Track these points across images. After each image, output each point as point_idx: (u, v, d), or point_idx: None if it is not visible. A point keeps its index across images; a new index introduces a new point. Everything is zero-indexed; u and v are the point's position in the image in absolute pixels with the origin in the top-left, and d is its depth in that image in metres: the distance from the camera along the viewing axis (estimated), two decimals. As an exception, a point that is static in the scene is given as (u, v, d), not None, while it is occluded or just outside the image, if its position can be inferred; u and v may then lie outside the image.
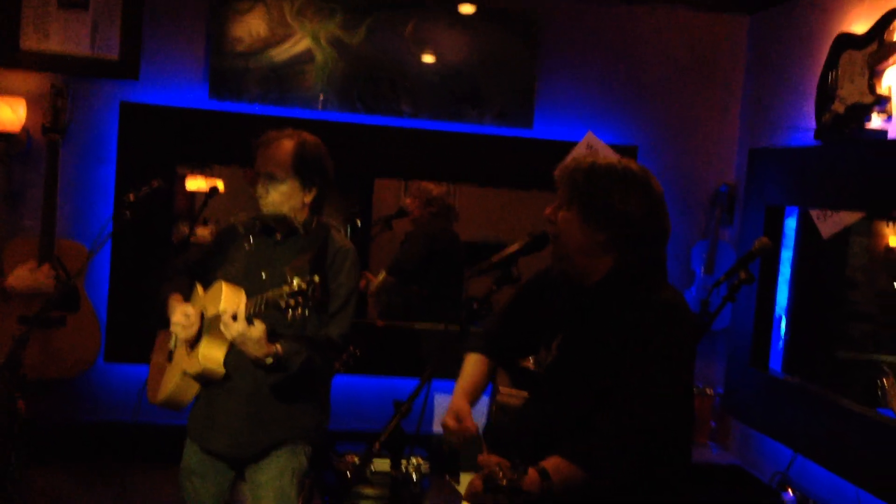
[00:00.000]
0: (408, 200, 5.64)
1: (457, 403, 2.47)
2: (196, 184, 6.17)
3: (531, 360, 2.55)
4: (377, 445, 2.24)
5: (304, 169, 2.96)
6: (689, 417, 2.38)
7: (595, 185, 2.29)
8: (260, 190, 2.97)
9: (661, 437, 2.23)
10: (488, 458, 2.12)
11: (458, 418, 2.43)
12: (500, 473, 2.00)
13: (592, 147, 4.87)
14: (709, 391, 5.23)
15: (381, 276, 5.52)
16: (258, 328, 2.69)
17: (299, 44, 5.03)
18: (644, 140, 5.36)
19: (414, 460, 3.85)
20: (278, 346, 2.77)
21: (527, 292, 2.56)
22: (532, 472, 2.10)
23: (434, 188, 5.43)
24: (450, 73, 5.18)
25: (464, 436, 2.41)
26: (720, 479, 4.88)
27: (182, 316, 2.89)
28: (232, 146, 4.86)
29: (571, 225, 2.31)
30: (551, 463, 2.15)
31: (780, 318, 4.93)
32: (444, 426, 2.45)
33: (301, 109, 5.05)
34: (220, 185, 5.13)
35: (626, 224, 2.29)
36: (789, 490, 4.47)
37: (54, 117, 4.62)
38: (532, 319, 2.53)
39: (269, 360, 2.75)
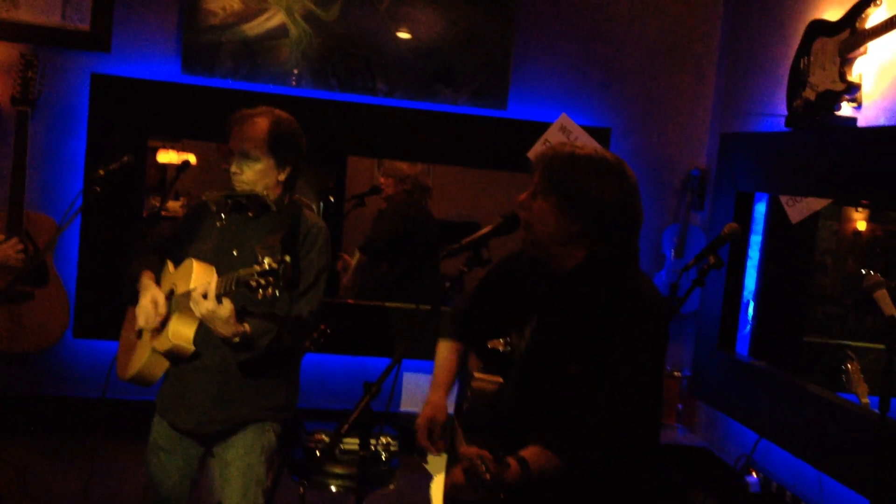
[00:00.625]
0: (381, 179, 5.63)
1: (433, 408, 2.48)
2: (167, 157, 6.13)
3: (501, 341, 2.56)
4: (346, 427, 2.24)
5: (278, 147, 2.94)
6: (659, 404, 2.42)
7: (573, 176, 2.28)
8: (234, 168, 2.95)
9: (633, 424, 2.25)
10: (469, 450, 2.11)
11: (432, 433, 2.45)
12: (483, 467, 2.00)
13: (566, 128, 4.88)
14: (676, 374, 5.29)
15: (356, 256, 5.51)
16: (226, 307, 2.68)
17: (273, 18, 4.99)
18: (617, 122, 5.38)
19: (383, 439, 3.86)
20: (246, 326, 2.77)
21: (497, 274, 2.57)
22: (513, 462, 2.11)
23: (407, 167, 5.42)
24: (425, 52, 5.16)
25: (434, 453, 2.44)
26: (686, 460, 4.95)
27: (150, 303, 2.88)
28: (204, 121, 4.83)
29: (546, 214, 2.31)
30: (529, 452, 2.17)
31: (749, 302, 4.99)
32: (418, 431, 2.48)
33: (275, 86, 5.01)
34: (192, 158, 5.10)
35: (601, 214, 2.29)
36: (753, 472, 4.54)
37: (24, 88, 4.56)
38: (502, 302, 2.54)
39: (237, 340, 2.75)
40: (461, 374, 2.63)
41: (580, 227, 2.30)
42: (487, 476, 1.99)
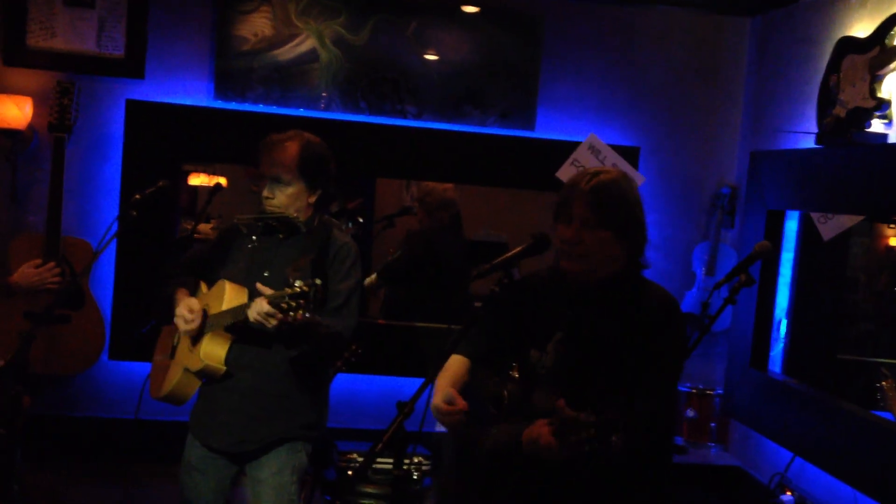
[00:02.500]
0: (417, 211, 5.63)
1: (444, 389, 2.50)
2: (199, 180, 6.20)
3: (515, 368, 2.57)
4: (379, 446, 2.26)
5: (309, 171, 2.98)
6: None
7: (620, 203, 2.41)
8: (266, 192, 3.00)
9: (670, 420, 2.34)
10: (565, 408, 2.11)
11: (450, 400, 2.46)
12: (586, 433, 2.03)
13: (595, 148, 4.88)
14: (709, 392, 5.25)
15: (373, 277, 5.54)
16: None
17: (304, 44, 5.06)
18: (646, 141, 5.38)
19: (415, 459, 3.87)
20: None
21: (508, 298, 2.57)
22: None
23: (437, 186, 5.42)
24: (453, 73, 5.20)
25: (456, 417, 2.44)
26: (719, 480, 4.91)
27: (186, 309, 2.93)
28: (236, 145, 4.90)
29: (606, 244, 2.40)
30: None
31: (781, 320, 4.95)
32: (436, 409, 2.48)
33: (305, 109, 5.07)
34: (223, 181, 5.16)
35: (642, 229, 2.46)
36: (788, 492, 4.49)
37: (60, 115, 4.64)
38: (517, 324, 2.55)
39: (285, 328, 2.74)
40: (474, 399, 2.63)
41: (630, 244, 2.44)
42: (592, 445, 2.01)
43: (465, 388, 2.59)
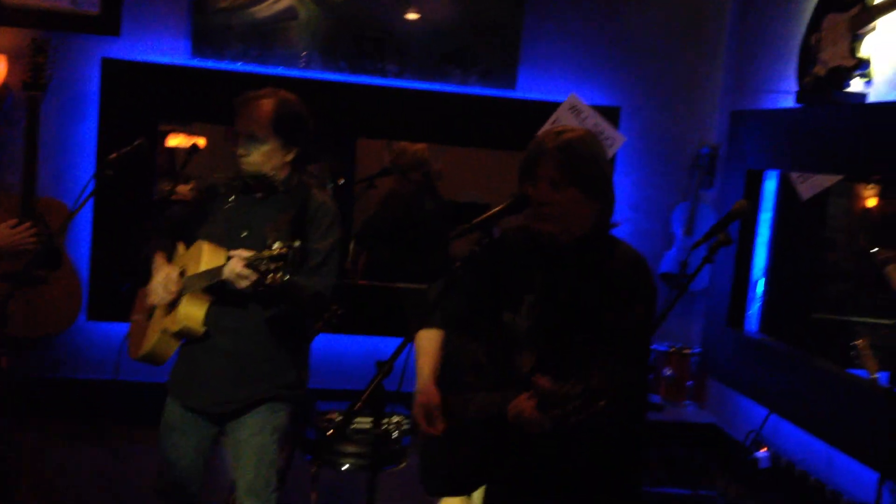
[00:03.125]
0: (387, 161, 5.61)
1: (427, 395, 2.49)
2: (177, 140, 6.14)
3: (491, 330, 2.57)
4: (359, 405, 2.27)
5: (284, 128, 2.96)
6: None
7: (589, 160, 2.39)
8: (241, 150, 2.97)
9: (645, 384, 2.40)
10: (543, 382, 2.10)
11: (430, 416, 2.46)
12: (573, 404, 2.01)
13: (576, 108, 4.86)
14: (686, 351, 5.29)
15: (351, 245, 5.53)
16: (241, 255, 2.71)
17: (282, 0, 4.99)
18: (627, 101, 5.37)
19: (395, 418, 3.89)
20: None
21: (478, 262, 2.56)
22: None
23: (408, 147, 5.39)
24: (434, 32, 5.16)
25: (430, 433, 2.45)
26: (696, 437, 4.97)
27: (163, 280, 2.91)
28: (214, 104, 4.84)
29: (575, 203, 2.39)
30: None
31: (758, 279, 4.99)
32: (415, 420, 2.50)
33: (284, 68, 5.02)
34: (202, 142, 5.11)
35: (611, 188, 2.45)
36: (763, 448, 4.56)
37: (35, 73, 4.58)
38: (491, 286, 2.56)
39: (262, 289, 2.71)
40: (451, 366, 2.63)
41: (601, 203, 2.42)
42: (578, 415, 2.01)
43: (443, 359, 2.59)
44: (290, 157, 3.00)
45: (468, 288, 2.59)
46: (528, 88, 5.27)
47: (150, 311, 3.11)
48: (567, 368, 2.26)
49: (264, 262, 2.58)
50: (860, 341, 4.03)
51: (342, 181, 6.07)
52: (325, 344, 4.76)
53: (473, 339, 2.58)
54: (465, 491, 2.53)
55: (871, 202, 5.89)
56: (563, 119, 4.71)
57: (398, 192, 5.46)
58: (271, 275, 2.57)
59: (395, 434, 3.82)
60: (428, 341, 2.59)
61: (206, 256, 2.88)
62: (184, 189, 5.86)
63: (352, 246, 5.54)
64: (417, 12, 5.14)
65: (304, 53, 5.03)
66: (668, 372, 5.17)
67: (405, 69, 5.15)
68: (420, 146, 5.41)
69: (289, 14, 5.00)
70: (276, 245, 2.57)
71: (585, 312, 2.35)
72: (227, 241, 2.92)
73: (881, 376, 3.88)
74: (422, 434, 2.49)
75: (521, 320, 2.44)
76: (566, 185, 2.37)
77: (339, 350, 5.13)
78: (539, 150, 2.40)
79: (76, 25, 4.83)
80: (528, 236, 2.49)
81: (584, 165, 2.38)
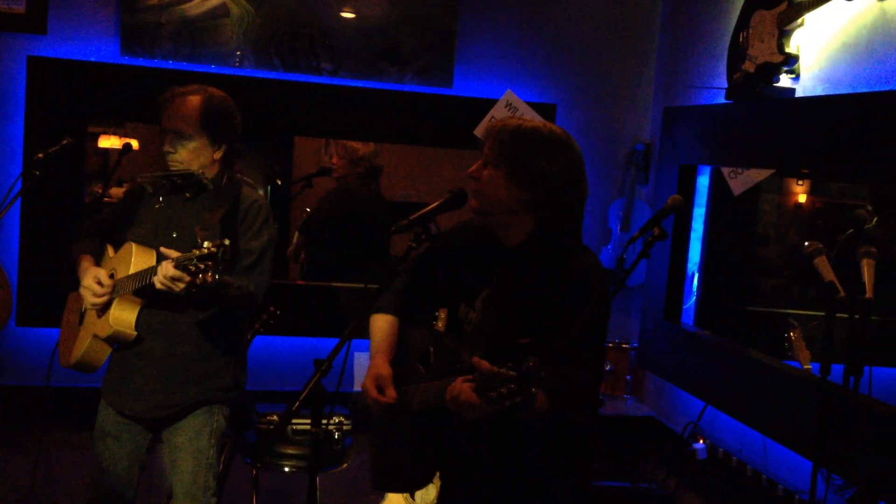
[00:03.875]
0: (333, 160, 5.57)
1: (377, 368, 2.47)
2: (109, 142, 6.02)
3: (441, 321, 2.56)
4: (297, 404, 2.24)
5: (211, 125, 2.90)
6: (601, 378, 2.48)
7: (521, 146, 2.34)
8: (167, 147, 2.90)
9: (594, 388, 2.33)
10: (483, 364, 2.07)
11: (380, 386, 2.44)
12: (508, 388, 1.97)
13: (512, 105, 4.89)
14: (624, 345, 5.36)
15: (295, 236, 5.48)
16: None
17: (213, -2, 4.92)
18: (562, 98, 5.41)
19: (335, 418, 3.86)
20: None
21: (437, 249, 2.57)
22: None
23: (361, 147, 5.37)
24: (369, 30, 5.13)
25: (385, 408, 2.43)
26: (635, 430, 5.02)
27: (94, 281, 2.83)
28: (145, 102, 4.72)
29: (496, 183, 2.35)
30: None
31: (693, 274, 5.06)
32: (366, 392, 2.46)
33: (217, 66, 4.95)
34: (135, 143, 5.01)
35: (550, 185, 2.35)
36: (700, 440, 4.63)
37: (-44, 72, 4.45)
38: (443, 276, 2.55)
39: (194, 290, 2.64)
40: (401, 357, 2.61)
41: (528, 196, 2.35)
42: (514, 398, 1.97)
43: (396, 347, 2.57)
44: (218, 154, 2.95)
45: (416, 279, 2.58)
46: (465, 86, 5.28)
47: (80, 317, 3.03)
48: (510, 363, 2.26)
49: (193, 261, 2.53)
50: (793, 333, 4.10)
51: (279, 182, 6.01)
52: (264, 345, 4.71)
53: (424, 329, 2.56)
54: (411, 488, 2.52)
55: (802, 198, 6.02)
56: (499, 115, 4.72)
57: (348, 187, 5.41)
58: (201, 275, 2.52)
59: (336, 435, 3.79)
60: (382, 322, 2.57)
61: (136, 258, 2.81)
62: (117, 192, 5.75)
63: (297, 236, 5.48)
64: (352, 10, 5.11)
65: (239, 54, 4.96)
66: (607, 367, 5.22)
67: (340, 67, 5.11)
68: (363, 145, 5.39)
69: (220, 11, 4.93)
70: (206, 244, 2.52)
71: (535, 311, 2.33)
72: (157, 242, 2.85)
73: (813, 367, 3.96)
74: (372, 406, 2.46)
75: (473, 314, 2.43)
76: (494, 165, 2.36)
77: (278, 351, 5.08)
78: (486, 132, 2.41)
79: (1, 23, 4.70)
80: (486, 229, 2.46)
81: (512, 147, 2.34)
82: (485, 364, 2.07)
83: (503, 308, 2.38)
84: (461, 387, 2.17)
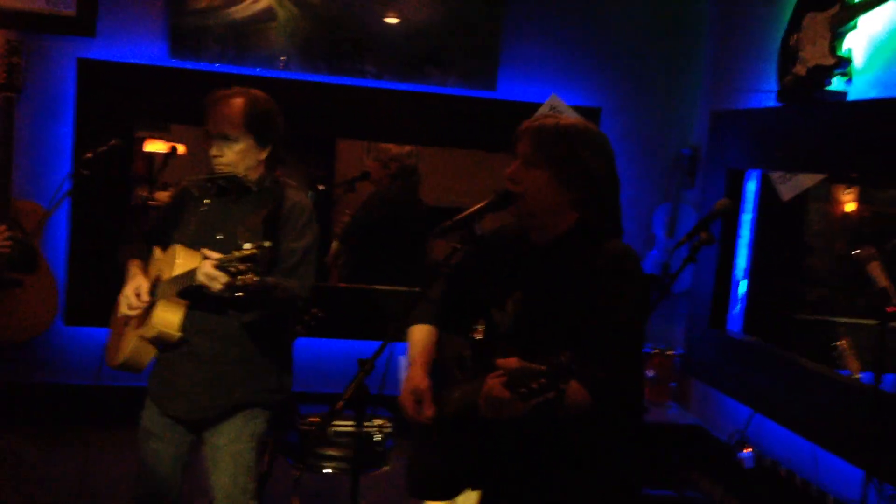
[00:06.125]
0: (368, 162, 5.58)
1: (416, 380, 2.44)
2: (155, 146, 6.07)
3: (480, 329, 2.54)
4: (340, 404, 2.23)
5: (256, 126, 2.92)
6: (642, 375, 2.44)
7: (565, 146, 2.31)
8: (214, 151, 2.93)
9: (635, 375, 2.29)
10: (511, 361, 2.03)
11: (418, 399, 2.41)
12: (538, 382, 1.94)
13: (556, 109, 4.87)
14: (669, 352, 5.29)
15: (334, 244, 5.49)
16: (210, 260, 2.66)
17: (260, 1, 4.96)
18: (607, 102, 5.36)
19: (377, 421, 3.85)
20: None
21: (470, 257, 2.54)
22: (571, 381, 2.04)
23: (393, 148, 5.36)
24: (413, 33, 5.13)
25: (421, 418, 2.40)
26: (680, 438, 4.96)
27: (132, 292, 2.86)
28: (192, 105, 4.75)
29: (541, 185, 2.32)
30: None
31: (740, 281, 4.99)
32: (403, 407, 2.44)
33: (262, 69, 4.98)
34: (181, 147, 5.07)
35: (593, 183, 2.33)
36: (747, 448, 4.55)
37: (9, 75, 4.52)
38: (478, 281, 2.52)
39: (239, 293, 2.67)
40: (439, 362, 2.59)
41: (575, 195, 2.33)
42: (546, 393, 1.92)
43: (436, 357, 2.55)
44: (263, 155, 2.97)
45: (458, 286, 2.56)
46: (509, 89, 5.26)
47: (126, 318, 3.06)
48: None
49: (234, 263, 2.54)
50: (842, 341, 4.03)
51: (322, 188, 6.03)
52: (307, 348, 4.72)
53: (461, 335, 2.54)
54: (446, 496, 2.49)
55: (850, 207, 5.91)
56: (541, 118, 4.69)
57: (384, 192, 5.41)
58: (241, 276, 2.53)
59: (377, 437, 3.78)
60: (420, 333, 2.55)
61: (181, 260, 2.84)
62: (162, 196, 5.81)
63: (335, 244, 5.50)
64: (396, 13, 5.12)
65: (283, 59, 4.99)
66: (650, 374, 5.16)
67: (384, 70, 5.12)
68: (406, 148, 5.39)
69: (267, 15, 4.97)
70: (247, 246, 2.54)
71: (565, 311, 2.30)
72: (202, 245, 2.86)
73: (863, 377, 3.88)
74: (410, 422, 2.44)
75: (506, 317, 2.40)
76: (535, 165, 2.32)
77: (319, 353, 5.09)
78: (522, 130, 2.38)
79: (52, 26, 4.78)
80: (518, 232, 2.44)
81: (554, 146, 2.30)
82: (512, 361, 2.03)
83: (535, 309, 2.35)
84: (491, 383, 2.12)
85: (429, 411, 2.38)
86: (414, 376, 2.46)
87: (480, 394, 2.18)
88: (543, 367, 1.95)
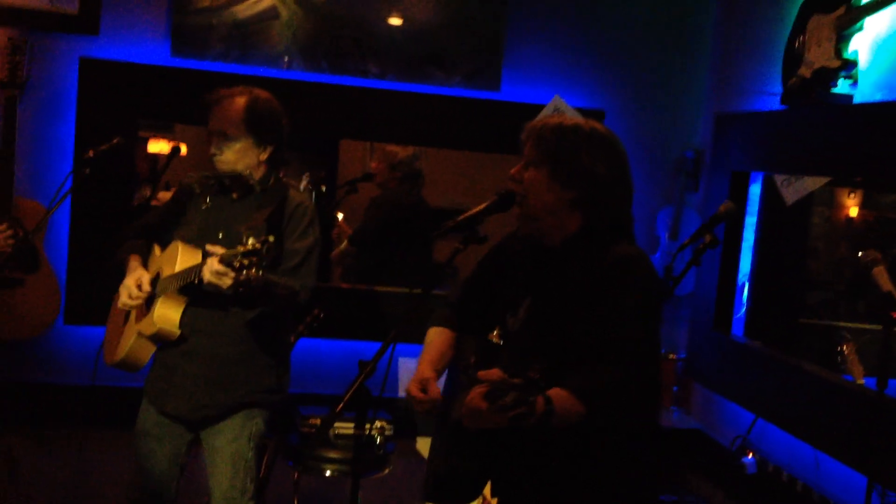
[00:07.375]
0: (373, 164, 5.57)
1: (422, 372, 2.44)
2: (158, 146, 6.07)
3: (496, 332, 2.52)
4: (341, 405, 2.22)
5: (257, 126, 2.91)
6: (656, 375, 2.38)
7: (563, 144, 2.29)
8: (213, 149, 2.93)
9: (640, 381, 2.23)
10: (491, 373, 2.03)
11: (424, 388, 2.39)
12: (512, 396, 1.93)
13: (560, 110, 4.85)
14: (672, 356, 5.27)
15: (343, 244, 5.47)
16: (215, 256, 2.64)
17: (263, 0, 4.94)
18: (611, 104, 5.35)
19: (378, 423, 3.84)
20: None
21: (488, 260, 2.53)
22: (539, 399, 2.03)
23: (399, 151, 5.36)
24: (417, 34, 5.12)
25: (428, 406, 2.38)
26: (682, 442, 4.94)
27: (133, 283, 2.85)
28: (194, 104, 4.75)
29: (540, 184, 2.30)
30: (555, 392, 2.09)
31: (743, 284, 4.97)
32: (409, 394, 2.42)
33: (266, 68, 4.97)
34: (183, 147, 5.05)
35: (594, 183, 2.29)
36: (749, 453, 4.53)
37: (11, 72, 4.52)
38: (495, 286, 2.50)
39: (241, 289, 2.65)
40: (453, 367, 2.57)
41: (573, 195, 2.29)
42: (518, 407, 1.92)
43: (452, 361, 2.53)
44: (264, 155, 2.96)
45: (475, 289, 2.54)
46: (512, 90, 5.24)
47: (125, 315, 3.05)
48: (551, 370, 2.20)
49: (238, 257, 2.53)
50: (846, 346, 4.01)
51: (324, 189, 6.02)
52: (308, 348, 4.71)
53: (475, 341, 2.52)
54: (460, 501, 2.47)
55: (853, 212, 5.89)
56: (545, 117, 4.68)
57: (393, 195, 5.41)
58: (245, 270, 2.52)
59: (378, 440, 3.76)
60: (434, 334, 2.54)
61: (182, 257, 2.83)
62: (165, 195, 5.80)
63: (344, 244, 5.48)
64: (400, 13, 5.10)
65: (286, 59, 4.98)
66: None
67: (387, 70, 5.11)
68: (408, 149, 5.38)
69: (270, 14, 4.95)
70: (251, 240, 2.53)
71: (572, 316, 2.27)
72: (203, 242, 2.85)
73: (867, 382, 3.86)
74: (416, 411, 2.42)
75: (516, 322, 2.38)
76: (536, 165, 2.30)
77: (320, 354, 5.07)
78: (527, 130, 2.36)
79: (54, 24, 4.77)
80: (528, 237, 2.40)
81: (555, 145, 2.28)
82: (494, 372, 2.02)
83: (543, 314, 2.33)
84: (473, 394, 2.11)
85: (434, 390, 2.36)
86: (421, 370, 2.45)
87: (464, 404, 2.16)
88: (518, 381, 1.94)
